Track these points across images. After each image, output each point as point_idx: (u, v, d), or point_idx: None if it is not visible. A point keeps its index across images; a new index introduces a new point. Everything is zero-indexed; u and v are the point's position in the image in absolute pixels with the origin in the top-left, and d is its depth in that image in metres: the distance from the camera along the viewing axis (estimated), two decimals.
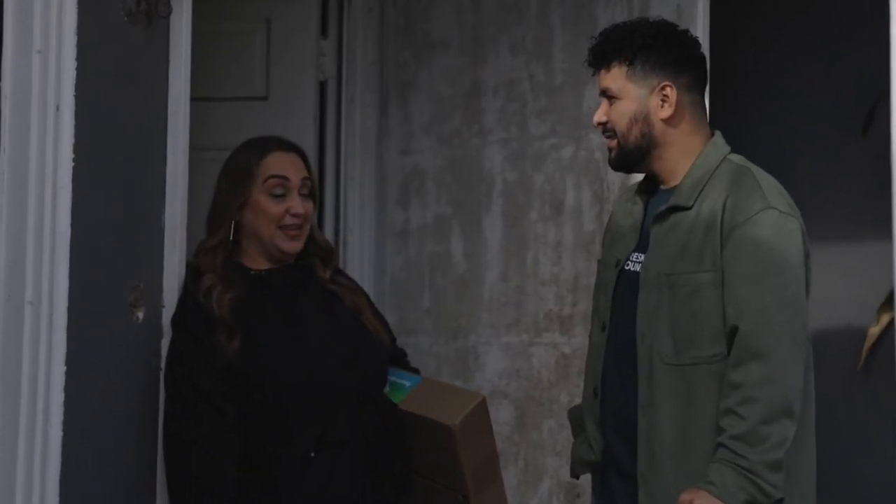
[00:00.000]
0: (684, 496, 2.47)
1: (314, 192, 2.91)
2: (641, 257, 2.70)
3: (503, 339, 3.88)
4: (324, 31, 4.17)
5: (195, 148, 2.95)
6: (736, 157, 2.72)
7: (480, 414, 2.83)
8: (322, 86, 4.17)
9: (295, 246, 2.85)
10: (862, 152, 4.16)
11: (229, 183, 2.85)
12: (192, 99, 2.93)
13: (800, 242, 2.60)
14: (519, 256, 3.89)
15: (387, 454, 2.79)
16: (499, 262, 3.93)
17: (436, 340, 4.00)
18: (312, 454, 2.69)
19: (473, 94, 4.00)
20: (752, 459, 2.46)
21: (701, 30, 3.47)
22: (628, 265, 2.73)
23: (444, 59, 4.07)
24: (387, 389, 2.89)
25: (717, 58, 3.55)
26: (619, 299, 2.72)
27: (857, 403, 4.23)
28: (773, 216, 2.58)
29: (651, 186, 2.78)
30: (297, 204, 2.82)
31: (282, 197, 2.82)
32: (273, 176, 2.82)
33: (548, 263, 3.82)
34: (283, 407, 2.69)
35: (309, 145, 3.98)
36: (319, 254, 2.92)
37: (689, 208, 2.64)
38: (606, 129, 2.74)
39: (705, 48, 3.48)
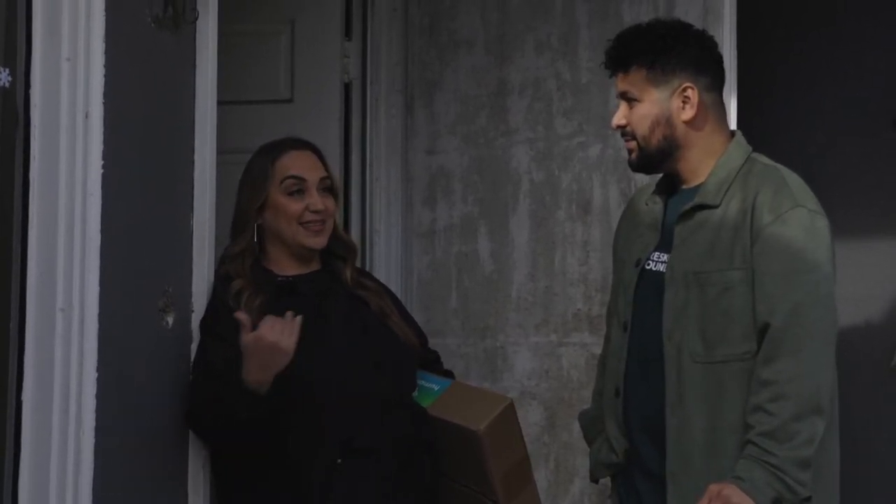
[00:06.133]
0: (713, 486, 2.46)
1: (334, 189, 2.91)
2: (664, 257, 2.68)
3: (532, 339, 3.87)
4: (347, 33, 4.16)
5: (221, 152, 2.95)
6: (760, 156, 2.72)
7: (508, 418, 2.82)
8: (347, 87, 4.16)
9: (319, 241, 2.85)
10: (893, 149, 4.14)
11: (248, 187, 2.87)
12: (218, 102, 2.93)
13: (829, 240, 2.60)
14: (546, 256, 3.88)
15: (415, 461, 2.78)
16: (526, 262, 3.91)
17: (464, 341, 3.99)
18: (339, 461, 2.68)
19: (499, 94, 3.99)
20: (781, 456, 2.45)
21: (728, 28, 3.45)
22: (649, 264, 2.71)
23: (470, 58, 4.05)
24: (415, 394, 2.89)
25: (745, 56, 3.53)
26: (641, 299, 2.71)
27: (889, 400, 4.21)
28: (803, 214, 2.57)
29: (669, 185, 2.77)
30: (316, 200, 2.83)
31: (300, 194, 2.82)
32: (289, 177, 2.83)
33: (576, 263, 3.81)
34: (311, 415, 2.69)
35: (334, 147, 3.98)
36: (341, 252, 2.92)
37: (717, 207, 2.63)
38: (625, 132, 2.72)
39: (733, 47, 3.47)
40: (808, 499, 2.50)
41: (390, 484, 2.72)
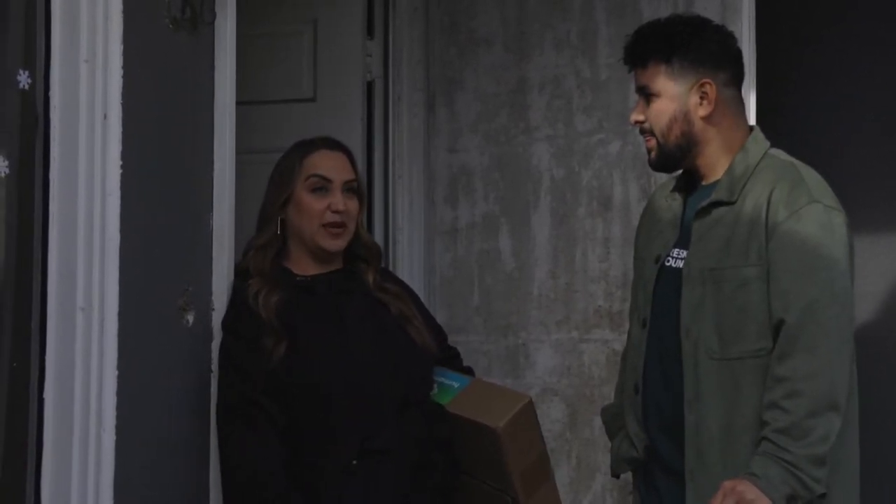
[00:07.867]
0: (728, 483, 2.47)
1: (361, 192, 2.92)
2: (683, 253, 2.68)
3: (553, 336, 3.88)
4: (370, 32, 4.19)
5: (244, 151, 2.97)
6: (778, 152, 2.71)
7: (527, 415, 2.83)
8: (369, 86, 4.19)
9: (337, 244, 2.85)
10: None
11: (276, 180, 2.88)
12: (241, 102, 2.95)
13: (845, 236, 2.59)
14: (567, 253, 3.88)
15: (431, 461, 2.78)
16: (547, 259, 3.92)
17: (486, 338, 4.00)
18: (354, 462, 2.69)
19: (519, 91, 4.00)
20: (796, 453, 2.45)
21: (747, 23, 3.45)
22: (669, 261, 2.72)
23: (490, 56, 4.07)
24: (434, 391, 2.89)
25: (764, 51, 3.52)
26: (660, 296, 2.72)
27: None
28: (819, 210, 2.56)
29: (689, 182, 2.77)
30: (338, 201, 2.83)
31: (323, 193, 2.83)
32: (314, 175, 2.84)
33: (596, 259, 3.82)
34: (326, 415, 2.70)
35: (357, 145, 4.00)
36: (364, 254, 2.93)
37: (733, 203, 2.63)
38: (643, 128, 2.72)
39: (751, 41, 3.46)
40: (823, 495, 2.50)
41: (405, 485, 2.72)
